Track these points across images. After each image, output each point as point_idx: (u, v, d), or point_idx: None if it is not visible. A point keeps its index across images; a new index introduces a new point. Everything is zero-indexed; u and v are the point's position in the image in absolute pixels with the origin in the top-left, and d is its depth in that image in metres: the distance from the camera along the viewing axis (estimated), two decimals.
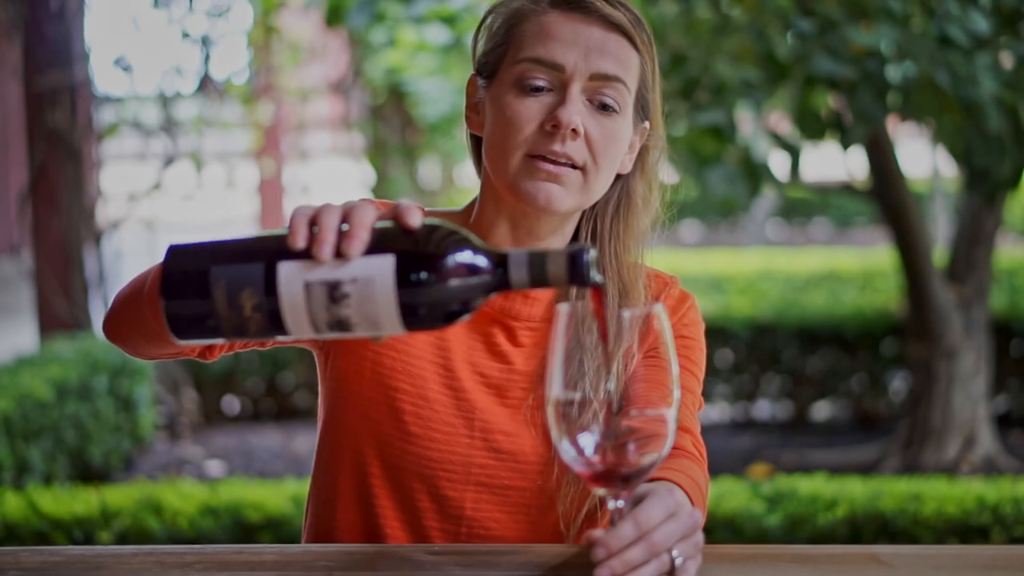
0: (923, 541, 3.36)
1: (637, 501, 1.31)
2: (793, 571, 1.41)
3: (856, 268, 7.50)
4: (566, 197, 1.56)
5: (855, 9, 3.77)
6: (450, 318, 1.23)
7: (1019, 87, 3.72)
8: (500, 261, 1.23)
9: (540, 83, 1.56)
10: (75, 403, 4.84)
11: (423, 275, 1.20)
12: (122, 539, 3.46)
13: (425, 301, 1.21)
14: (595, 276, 1.22)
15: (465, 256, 1.22)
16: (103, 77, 6.34)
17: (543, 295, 1.65)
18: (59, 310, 5.72)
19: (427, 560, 1.44)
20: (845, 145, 4.01)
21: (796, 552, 1.50)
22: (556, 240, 1.64)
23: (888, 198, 4.95)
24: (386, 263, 1.20)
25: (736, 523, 3.42)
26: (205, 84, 6.43)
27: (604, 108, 1.56)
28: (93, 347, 5.26)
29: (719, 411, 6.02)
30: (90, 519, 3.50)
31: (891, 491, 3.51)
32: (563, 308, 1.27)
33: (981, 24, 3.68)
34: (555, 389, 1.26)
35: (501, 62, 1.60)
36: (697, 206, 13.41)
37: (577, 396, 1.26)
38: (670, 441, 1.27)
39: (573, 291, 1.63)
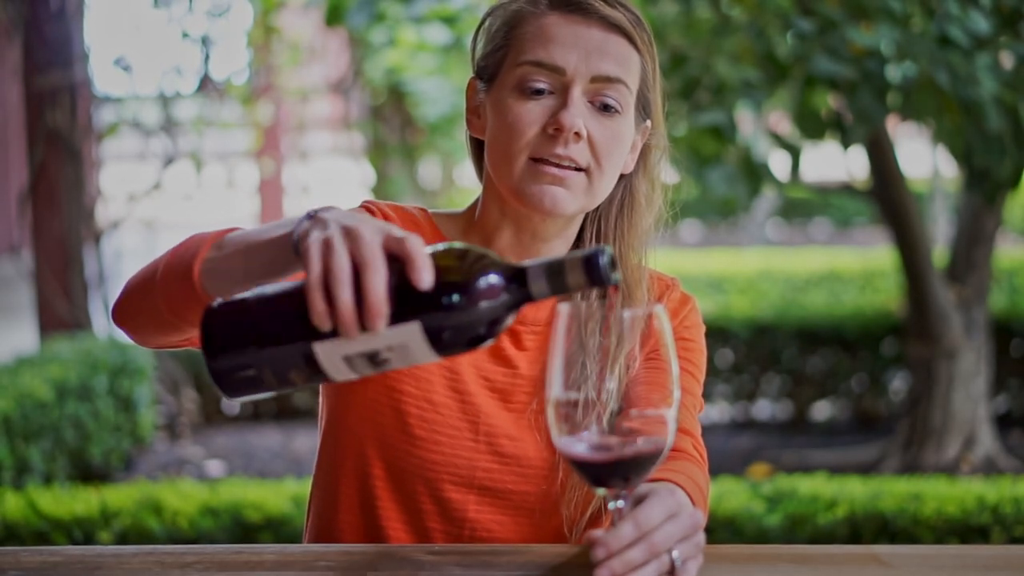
0: (923, 541, 3.36)
1: (637, 501, 1.31)
2: (793, 571, 1.41)
3: (856, 268, 7.50)
4: (571, 200, 1.56)
5: (855, 9, 3.77)
6: (484, 340, 1.26)
7: (1019, 87, 3.72)
8: (518, 277, 1.24)
9: (541, 86, 1.55)
10: (75, 403, 4.83)
11: (448, 332, 1.23)
12: (122, 539, 3.46)
13: (459, 342, 1.24)
14: (615, 276, 1.23)
15: (485, 285, 1.23)
16: (103, 77, 6.35)
17: (549, 299, 1.64)
18: (59, 310, 5.72)
19: (427, 560, 1.44)
20: (845, 145, 4.01)
21: (796, 552, 1.50)
22: (560, 242, 1.64)
23: (888, 198, 4.95)
24: (414, 330, 1.23)
25: (736, 523, 3.42)
26: (205, 84, 6.43)
27: (606, 109, 1.56)
28: (93, 347, 5.26)
29: (719, 411, 6.02)
30: (90, 519, 3.49)
31: (891, 491, 3.51)
32: (563, 308, 1.27)
33: (981, 24, 3.68)
34: (555, 390, 1.26)
35: (501, 65, 1.60)
36: (697, 206, 13.40)
37: (577, 397, 1.26)
38: (670, 441, 1.27)
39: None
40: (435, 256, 1.23)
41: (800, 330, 5.93)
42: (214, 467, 5.32)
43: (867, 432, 5.68)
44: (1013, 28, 3.82)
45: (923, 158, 10.42)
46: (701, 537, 1.32)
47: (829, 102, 4.41)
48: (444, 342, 1.23)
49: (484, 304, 1.23)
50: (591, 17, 1.56)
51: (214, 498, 3.61)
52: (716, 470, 4.27)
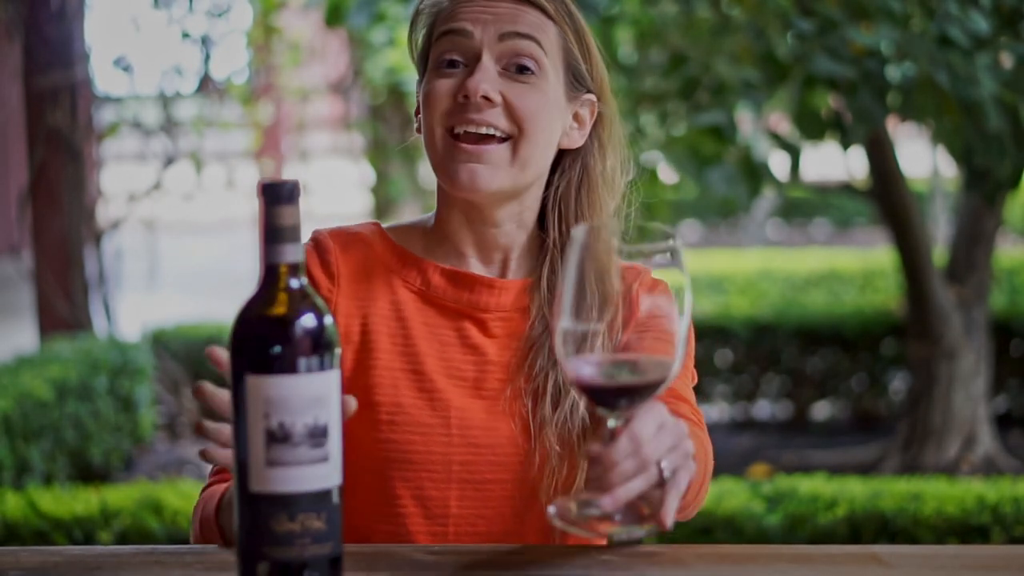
0: (923, 541, 3.37)
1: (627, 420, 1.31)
2: (793, 571, 1.41)
3: (856, 268, 7.49)
4: (492, 175, 1.57)
5: (855, 9, 3.77)
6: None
7: (1019, 87, 3.72)
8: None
9: (454, 57, 1.58)
10: (75, 403, 4.84)
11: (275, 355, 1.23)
12: (122, 539, 3.46)
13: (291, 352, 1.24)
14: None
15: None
16: (103, 77, 6.34)
17: (511, 284, 1.64)
18: (59, 310, 5.72)
19: (427, 560, 1.44)
20: (845, 145, 4.01)
21: (796, 552, 1.51)
22: (512, 225, 1.64)
23: (888, 198, 4.95)
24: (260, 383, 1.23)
25: (736, 523, 3.42)
26: (205, 84, 6.43)
27: (521, 71, 1.57)
28: (93, 347, 5.26)
29: (719, 411, 6.01)
30: (90, 519, 3.49)
31: (891, 491, 3.51)
32: (578, 233, 1.28)
33: (981, 24, 3.68)
34: (564, 320, 1.26)
35: (427, 61, 1.63)
36: (697, 206, 13.40)
37: (584, 327, 1.26)
38: (676, 367, 1.27)
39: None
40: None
41: (800, 330, 5.93)
42: None
43: (867, 432, 5.68)
44: (1013, 28, 3.81)
45: (923, 158, 10.42)
46: (689, 445, 1.32)
47: (829, 102, 4.40)
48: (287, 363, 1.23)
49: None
50: None
51: None
52: (716, 470, 4.27)
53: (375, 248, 1.67)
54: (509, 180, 1.58)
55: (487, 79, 1.55)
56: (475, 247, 1.65)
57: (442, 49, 1.59)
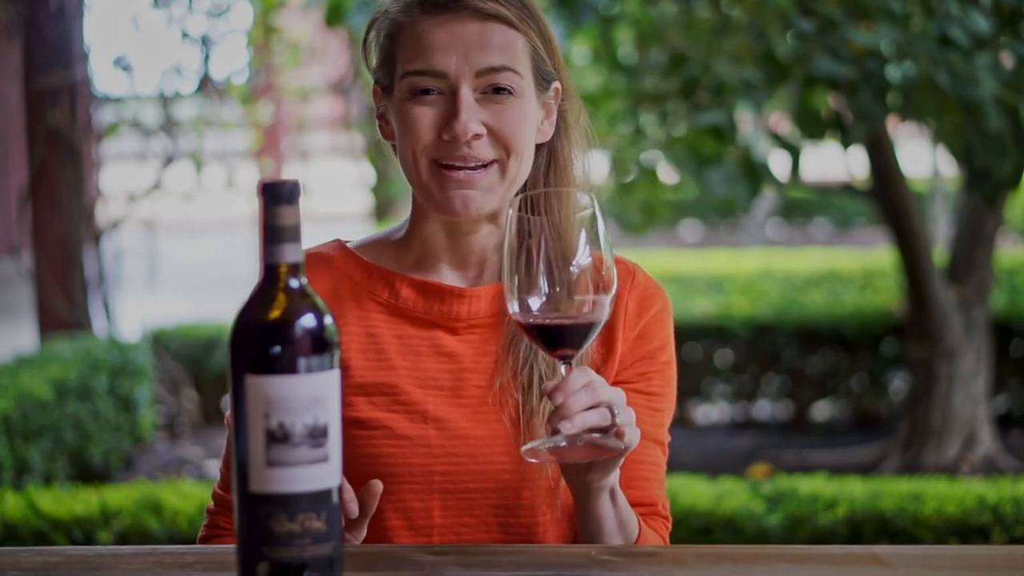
0: (923, 541, 3.36)
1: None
2: (793, 571, 1.41)
3: (856, 268, 7.49)
4: (484, 198, 1.57)
5: (855, 9, 3.77)
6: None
7: (1019, 87, 3.72)
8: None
9: (429, 86, 1.56)
10: (75, 403, 4.84)
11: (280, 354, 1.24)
12: (122, 539, 3.46)
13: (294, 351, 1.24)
14: None
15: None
16: (103, 77, 6.33)
17: (483, 291, 1.64)
18: (59, 310, 5.72)
19: (427, 560, 1.44)
20: (845, 145, 4.01)
21: (796, 552, 1.51)
22: (491, 227, 1.63)
23: (888, 198, 4.95)
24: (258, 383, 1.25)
25: (736, 523, 3.42)
26: (205, 84, 6.43)
27: (499, 92, 1.56)
28: (93, 347, 5.26)
29: (719, 411, 6.02)
30: (90, 519, 3.49)
31: (891, 491, 3.51)
32: (511, 210, 1.40)
33: (981, 24, 3.68)
34: (506, 277, 1.41)
35: (392, 77, 1.61)
36: (697, 206, 13.40)
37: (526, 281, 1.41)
38: (609, 304, 1.41)
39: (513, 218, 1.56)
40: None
41: (800, 330, 5.92)
42: (214, 467, 5.32)
43: (867, 432, 5.68)
44: (1013, 28, 3.82)
45: (923, 158, 10.42)
46: (631, 413, 1.43)
47: (829, 102, 4.40)
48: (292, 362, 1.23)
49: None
50: (462, 13, 1.56)
51: None
52: (716, 470, 4.27)
53: (338, 266, 1.66)
54: (499, 199, 1.58)
55: (471, 117, 1.55)
56: (450, 254, 1.64)
57: (416, 82, 1.57)
